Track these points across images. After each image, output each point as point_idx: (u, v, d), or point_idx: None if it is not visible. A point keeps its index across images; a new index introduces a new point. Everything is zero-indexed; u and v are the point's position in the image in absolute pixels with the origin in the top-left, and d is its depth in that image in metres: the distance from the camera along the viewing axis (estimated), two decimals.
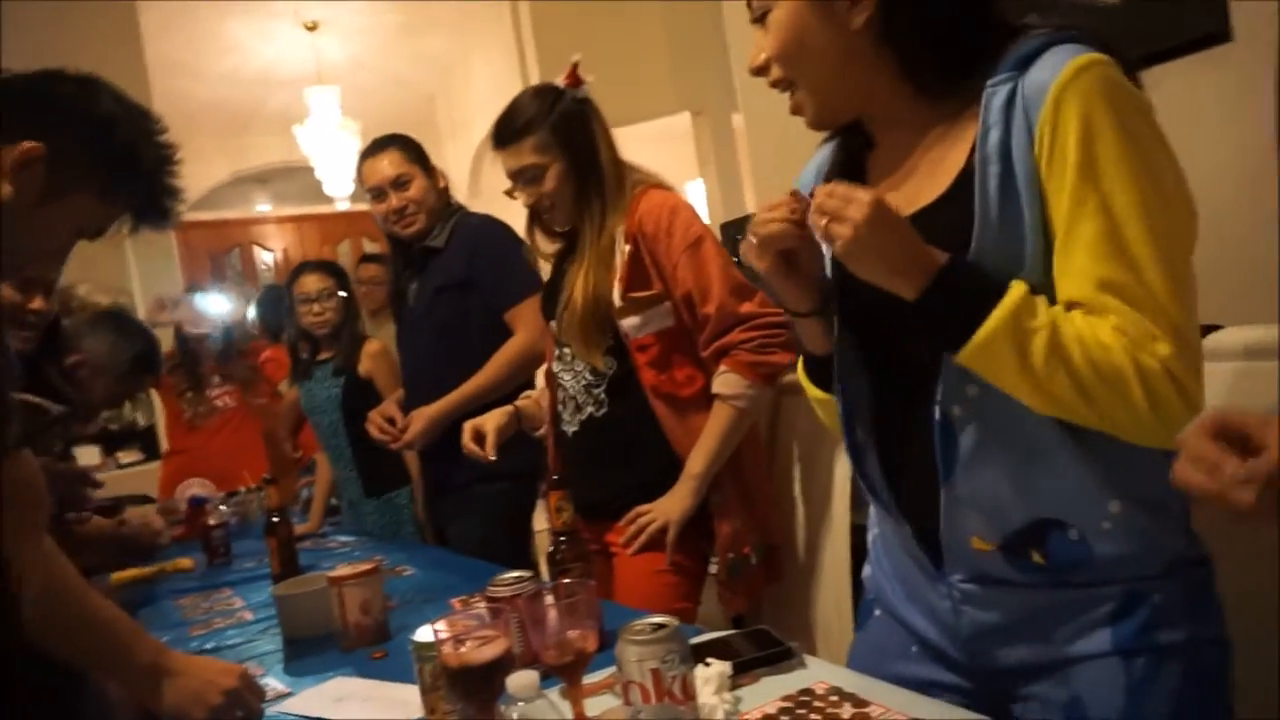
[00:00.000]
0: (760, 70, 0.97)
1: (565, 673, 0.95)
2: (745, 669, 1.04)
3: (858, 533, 1.55)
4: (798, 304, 1.01)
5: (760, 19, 0.95)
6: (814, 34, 0.91)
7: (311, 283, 2.57)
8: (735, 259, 1.79)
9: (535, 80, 5.76)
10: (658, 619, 0.88)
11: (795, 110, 0.98)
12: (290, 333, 2.71)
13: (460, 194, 2.58)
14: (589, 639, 0.96)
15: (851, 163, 1.03)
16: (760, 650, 1.08)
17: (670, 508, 1.54)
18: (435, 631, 0.92)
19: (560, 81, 1.63)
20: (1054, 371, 0.80)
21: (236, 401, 3.37)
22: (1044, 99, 0.81)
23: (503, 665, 0.89)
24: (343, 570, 1.44)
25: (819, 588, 1.63)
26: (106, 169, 1.07)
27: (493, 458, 1.70)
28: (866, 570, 1.14)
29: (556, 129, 1.58)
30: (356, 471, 2.57)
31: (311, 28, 5.33)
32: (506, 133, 1.61)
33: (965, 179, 0.86)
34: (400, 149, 2.21)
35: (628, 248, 1.56)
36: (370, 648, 1.39)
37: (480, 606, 1.18)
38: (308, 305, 2.57)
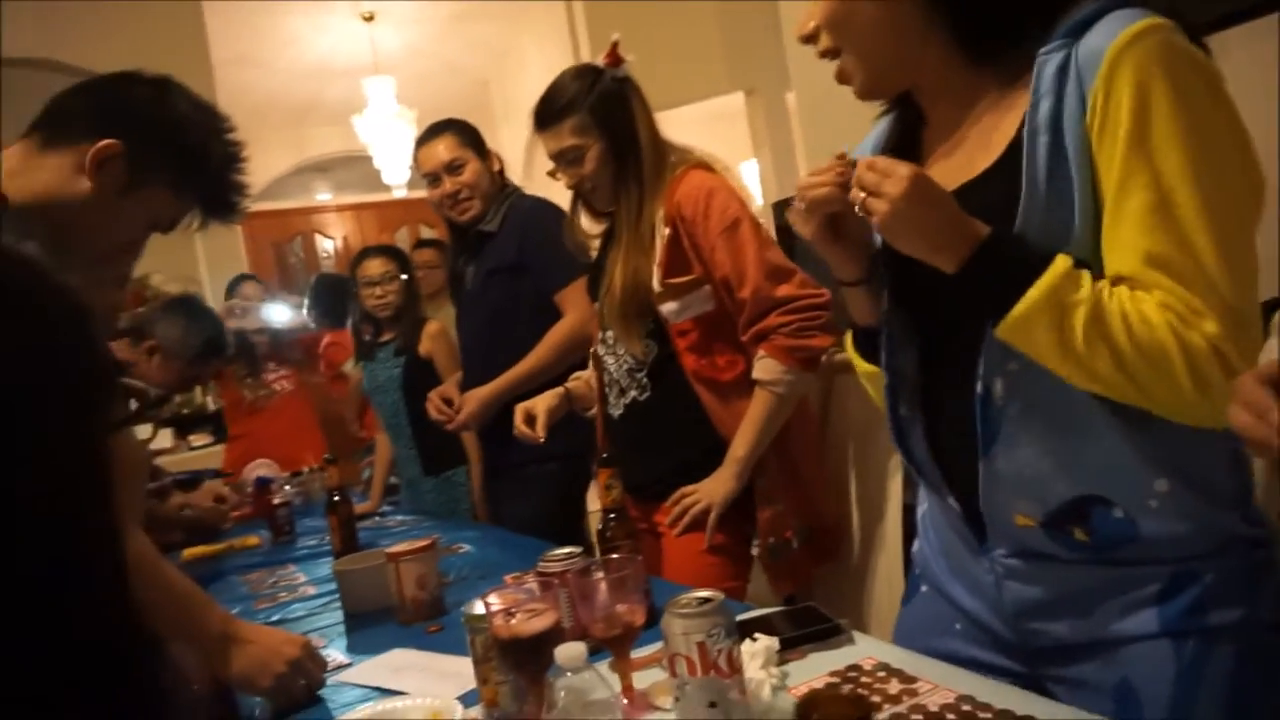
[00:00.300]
0: (809, 38, 0.96)
1: (614, 646, 0.97)
2: (792, 645, 1.05)
3: (910, 512, 1.54)
4: (845, 272, 1.00)
5: None
6: (864, 1, 0.90)
7: (374, 267, 2.64)
8: (785, 239, 1.76)
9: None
10: (704, 593, 0.89)
11: (841, 78, 0.96)
12: (354, 315, 2.79)
13: (515, 176, 2.60)
14: (637, 613, 0.97)
15: (908, 137, 1.01)
16: (808, 626, 1.08)
17: (714, 490, 1.55)
18: (487, 604, 0.94)
19: (600, 61, 1.62)
20: (1095, 348, 0.78)
21: (294, 385, 3.47)
22: (1098, 65, 0.78)
23: (552, 637, 0.91)
24: (400, 547, 1.48)
25: (872, 566, 1.62)
26: (179, 166, 1.13)
27: (543, 438, 1.73)
28: (915, 546, 1.14)
29: (595, 110, 1.58)
30: (416, 450, 2.64)
31: (368, 18, 5.42)
32: (547, 114, 1.62)
33: (1015, 150, 0.84)
34: (455, 134, 2.23)
35: (667, 231, 1.55)
36: (426, 622, 1.43)
37: (531, 581, 1.21)
38: (370, 288, 2.64)
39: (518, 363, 2.14)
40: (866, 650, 1.03)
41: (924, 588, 1.09)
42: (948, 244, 0.83)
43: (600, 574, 1.00)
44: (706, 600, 0.88)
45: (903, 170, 0.82)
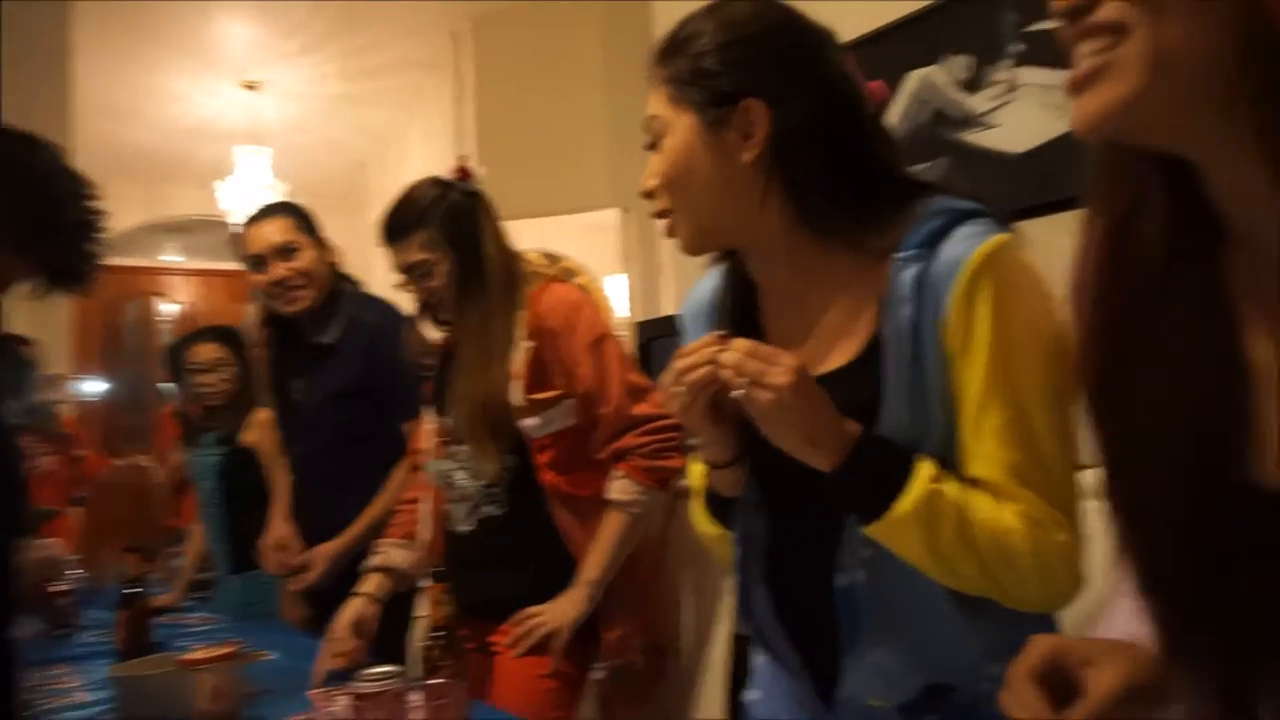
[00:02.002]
0: (649, 194, 0.96)
1: None
2: None
3: (739, 641, 1.53)
4: (719, 454, 0.97)
5: (653, 145, 0.95)
6: (701, 162, 0.91)
7: (205, 352, 2.45)
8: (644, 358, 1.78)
9: (474, 163, 5.78)
10: None
11: (669, 233, 0.97)
12: (180, 396, 2.57)
13: (378, 265, 2.48)
14: None
15: (742, 297, 1.02)
16: None
17: (563, 612, 1.49)
18: None
19: (450, 175, 1.60)
20: (961, 552, 0.82)
21: (57, 465, 3.12)
22: (955, 280, 0.83)
23: None
24: (198, 653, 1.34)
25: (699, 695, 1.59)
26: (28, 227, 1.05)
27: (357, 650, 1.59)
28: (752, 695, 1.11)
29: (444, 225, 1.55)
30: (230, 544, 2.42)
31: (252, 87, 5.31)
32: (395, 228, 1.57)
33: (874, 347, 0.88)
34: (289, 216, 2.04)
35: (529, 344, 1.53)
36: None
37: (341, 702, 1.11)
38: (199, 374, 2.45)
39: (357, 497, 1.97)
40: None
41: None
42: (824, 440, 0.84)
43: (419, 699, 0.93)
44: None
45: (788, 361, 0.82)
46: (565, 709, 1.51)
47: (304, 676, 1.60)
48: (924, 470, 0.83)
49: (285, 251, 1.99)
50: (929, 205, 0.88)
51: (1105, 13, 0.49)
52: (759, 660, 1.09)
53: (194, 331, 2.58)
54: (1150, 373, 0.56)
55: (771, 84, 0.89)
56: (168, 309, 6.67)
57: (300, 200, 2.25)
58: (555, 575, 1.53)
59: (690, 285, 2.80)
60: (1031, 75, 2.00)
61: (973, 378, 0.83)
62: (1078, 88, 0.51)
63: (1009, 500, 0.83)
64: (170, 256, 7.29)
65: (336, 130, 6.10)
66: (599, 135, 5.24)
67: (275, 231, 2.00)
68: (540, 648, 1.49)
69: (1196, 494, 0.55)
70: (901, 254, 0.86)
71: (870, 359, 0.87)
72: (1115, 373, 0.58)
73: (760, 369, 0.82)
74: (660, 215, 0.96)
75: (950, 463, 0.86)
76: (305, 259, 2.00)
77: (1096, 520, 0.90)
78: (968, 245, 0.84)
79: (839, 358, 0.91)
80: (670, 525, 1.71)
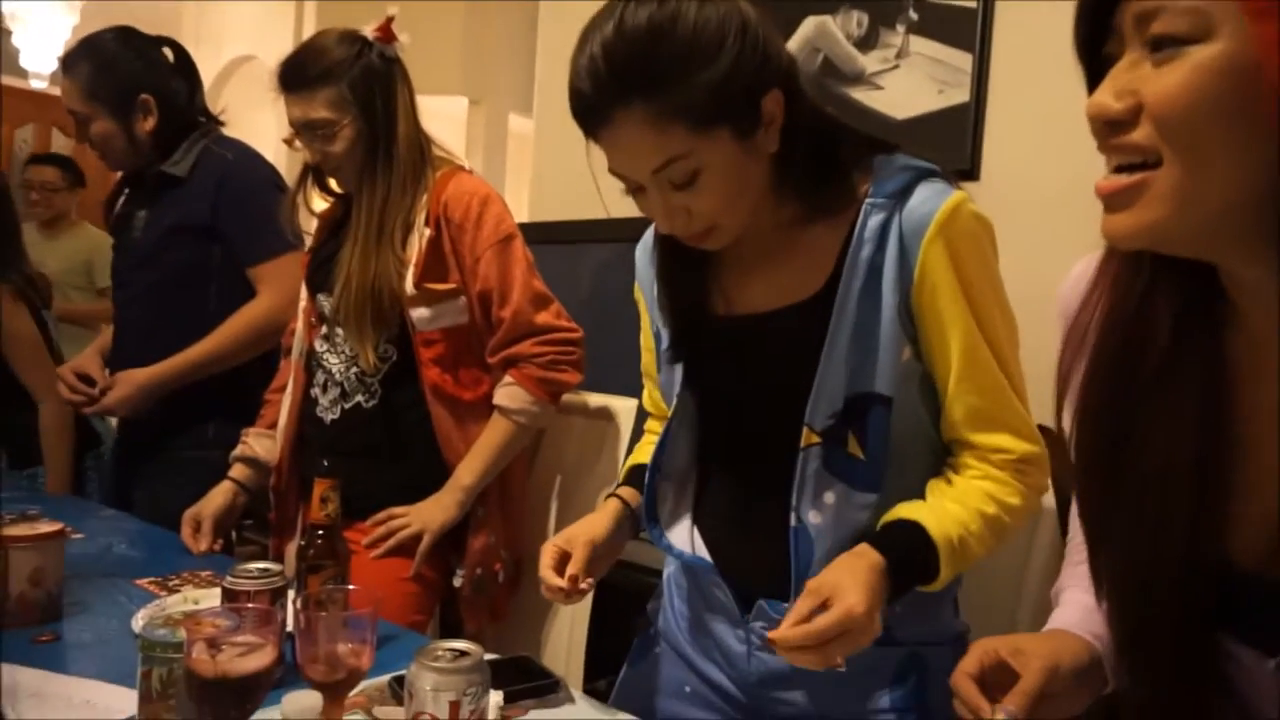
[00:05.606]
0: (700, 236, 0.92)
1: (329, 691, 0.84)
2: (514, 699, 0.99)
3: None
4: None
5: (680, 185, 0.87)
6: (750, 172, 0.90)
7: None
8: None
9: (310, 16, 5.25)
10: (458, 645, 0.81)
11: (698, 242, 0.93)
12: None
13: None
14: (363, 655, 0.86)
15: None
16: (527, 680, 1.03)
17: (431, 516, 1.43)
18: (190, 630, 0.76)
19: (370, 33, 1.47)
20: (983, 552, 0.91)
21: None
22: (924, 232, 0.87)
23: (267, 680, 0.76)
24: (17, 528, 1.18)
25: (556, 613, 1.60)
26: None
27: (204, 549, 1.53)
28: (652, 604, 1.14)
29: (356, 86, 1.43)
30: None
31: None
32: (298, 77, 1.42)
33: (832, 285, 0.91)
34: (75, 78, 1.79)
35: (429, 232, 1.43)
36: (35, 628, 1.14)
37: (221, 602, 1.02)
38: None
39: (188, 343, 1.77)
40: (586, 711, 1.00)
41: (659, 649, 1.10)
42: (885, 592, 0.85)
43: (326, 607, 0.87)
44: (463, 654, 0.79)
45: (864, 624, 0.80)
46: (422, 614, 1.46)
47: (121, 562, 1.47)
48: (941, 543, 0.87)
49: (79, 119, 1.83)
50: (889, 161, 0.92)
51: (1139, 136, 0.51)
52: (667, 572, 1.12)
53: None
54: (1145, 451, 0.60)
55: (775, 71, 0.88)
56: None
57: (98, 24, 1.94)
58: (423, 476, 1.47)
59: (547, 192, 2.68)
60: (921, 45, 2.08)
61: (947, 323, 0.89)
62: (1108, 201, 0.53)
63: (996, 463, 0.92)
64: None
65: None
66: (456, 19, 4.89)
67: (67, 94, 1.82)
68: (401, 550, 1.43)
69: (1179, 570, 0.60)
70: (872, 199, 0.90)
71: (828, 296, 0.91)
72: (1110, 449, 0.62)
73: (850, 643, 0.81)
74: (700, 236, 0.92)
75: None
76: (96, 129, 1.82)
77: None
78: (935, 201, 0.88)
79: (805, 290, 0.93)
80: (544, 440, 1.69)
